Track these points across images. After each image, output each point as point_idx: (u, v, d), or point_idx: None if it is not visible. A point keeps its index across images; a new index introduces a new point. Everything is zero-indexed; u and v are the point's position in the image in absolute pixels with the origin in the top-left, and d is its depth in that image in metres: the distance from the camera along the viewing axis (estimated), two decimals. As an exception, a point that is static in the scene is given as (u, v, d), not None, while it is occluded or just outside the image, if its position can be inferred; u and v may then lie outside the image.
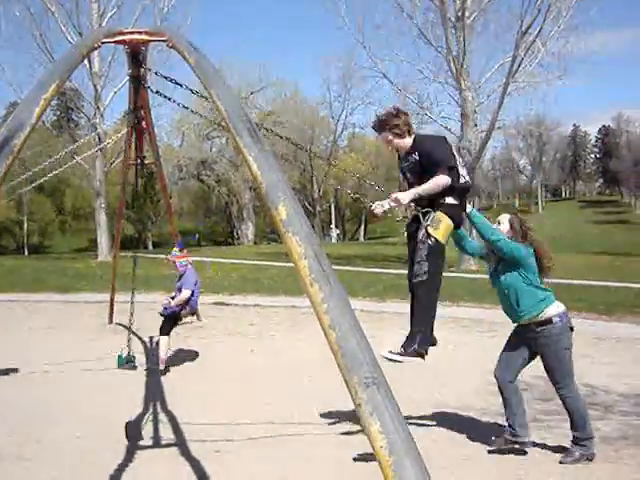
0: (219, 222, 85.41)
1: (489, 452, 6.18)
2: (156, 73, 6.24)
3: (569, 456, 5.92)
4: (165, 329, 9.89)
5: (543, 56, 29.19)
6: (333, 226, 78.55)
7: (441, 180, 5.29)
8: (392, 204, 5.45)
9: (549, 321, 5.95)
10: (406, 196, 5.31)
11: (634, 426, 6.90)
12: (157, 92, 7.15)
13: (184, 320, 10.44)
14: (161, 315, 10.02)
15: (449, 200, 5.43)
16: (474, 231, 6.56)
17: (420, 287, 5.35)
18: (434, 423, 7.12)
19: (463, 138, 29.84)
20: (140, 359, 10.45)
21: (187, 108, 8.50)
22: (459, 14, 29.05)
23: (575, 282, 20.05)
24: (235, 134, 2.93)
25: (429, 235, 5.27)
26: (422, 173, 5.42)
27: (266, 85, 72.13)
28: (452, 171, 5.40)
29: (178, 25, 33.22)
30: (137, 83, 7.01)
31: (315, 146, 74.25)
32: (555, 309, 6.01)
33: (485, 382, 8.77)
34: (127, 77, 7.23)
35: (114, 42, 4.88)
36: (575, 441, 5.96)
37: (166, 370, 9.68)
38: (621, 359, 10.10)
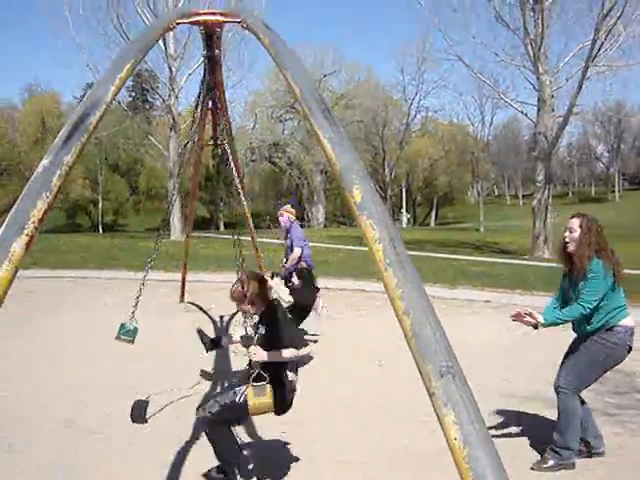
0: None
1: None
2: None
3: (542, 463, 5.68)
4: (299, 296, 9.51)
5: (625, 40, 28.41)
6: (404, 210, 78.21)
7: (288, 353, 5.01)
8: (248, 352, 5.10)
9: (611, 329, 5.60)
10: (258, 356, 5.02)
11: None
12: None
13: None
14: (283, 279, 9.80)
15: (290, 377, 5.17)
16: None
17: (204, 420, 5.32)
18: (504, 413, 7.01)
19: (539, 123, 29.29)
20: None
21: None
22: (538, -4, 28.44)
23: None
24: (309, 115, 2.89)
25: (245, 395, 5.04)
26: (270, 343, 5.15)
27: (340, 68, 72.17)
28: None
29: (252, 7, 33.37)
30: (212, 64, 7.03)
31: (388, 129, 74.03)
32: (625, 321, 5.64)
33: (554, 373, 8.63)
34: (202, 58, 7.27)
35: (189, 23, 4.87)
36: (551, 447, 5.71)
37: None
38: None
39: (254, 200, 72.51)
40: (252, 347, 5.03)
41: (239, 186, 8.71)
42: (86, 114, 2.73)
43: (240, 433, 6.01)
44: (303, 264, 9.98)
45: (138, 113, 58.04)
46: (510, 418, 6.84)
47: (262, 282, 5.37)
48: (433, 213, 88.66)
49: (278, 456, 5.90)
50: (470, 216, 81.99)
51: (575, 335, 5.95)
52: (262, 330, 5.22)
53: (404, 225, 73.36)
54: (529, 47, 29.13)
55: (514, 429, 6.56)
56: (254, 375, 4.99)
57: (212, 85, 7.96)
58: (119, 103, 39.25)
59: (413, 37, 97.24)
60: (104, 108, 2.83)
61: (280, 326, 5.13)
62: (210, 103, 8.93)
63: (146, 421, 6.09)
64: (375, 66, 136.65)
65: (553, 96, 29.81)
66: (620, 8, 26.58)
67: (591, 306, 5.46)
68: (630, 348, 5.67)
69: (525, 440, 6.27)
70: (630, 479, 5.43)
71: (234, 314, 11.85)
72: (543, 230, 28.93)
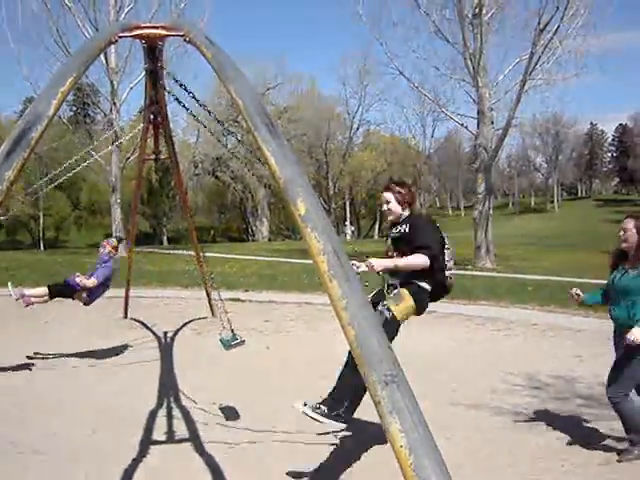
0: (234, 218, 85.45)
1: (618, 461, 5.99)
2: (175, 80, 6.24)
3: (627, 454, 5.88)
4: (55, 290, 9.89)
5: (560, 54, 29.07)
6: (348, 223, 78.45)
7: (419, 259, 5.27)
8: (365, 268, 5.34)
9: None
10: (380, 264, 5.29)
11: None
12: (169, 92, 7.13)
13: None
14: (64, 281, 9.99)
15: (422, 284, 5.44)
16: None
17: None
18: (450, 421, 7.06)
19: (479, 136, 29.74)
20: (155, 354, 10.49)
21: (203, 106, 8.43)
22: (476, 11, 28.91)
23: (593, 281, 19.93)
24: (253, 129, 2.90)
25: (388, 309, 5.27)
26: (405, 246, 5.44)
27: (282, 81, 72.26)
28: (435, 259, 5.38)
29: (195, 21, 33.26)
30: (153, 78, 7.00)
31: (331, 142, 74.33)
32: None
33: (500, 380, 8.76)
34: (143, 72, 7.23)
35: (131, 36, 4.85)
36: (632, 443, 5.91)
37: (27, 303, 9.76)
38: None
39: (198, 214, 72.01)
40: (369, 260, 5.31)
41: (183, 200, 8.65)
42: (27, 128, 2.70)
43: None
44: (85, 294, 10.03)
45: (79, 128, 57.21)
46: (457, 425, 6.90)
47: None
48: (377, 225, 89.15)
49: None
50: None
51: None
52: (405, 229, 5.55)
53: (348, 237, 73.61)
54: (468, 61, 29.59)
55: (461, 435, 6.62)
56: (385, 286, 5.39)
57: (153, 99, 7.94)
58: (60, 117, 38.66)
59: (355, 50, 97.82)
60: (46, 122, 2.81)
61: (421, 230, 5.51)
62: (152, 117, 8.88)
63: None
64: (318, 79, 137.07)
65: (492, 109, 30.30)
66: (556, 23, 27.23)
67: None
68: None
69: (472, 445, 6.33)
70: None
71: (178, 330, 11.78)
72: (485, 240, 29.32)
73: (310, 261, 2.41)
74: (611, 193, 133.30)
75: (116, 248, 10.42)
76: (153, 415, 7.27)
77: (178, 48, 32.85)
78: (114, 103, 34.97)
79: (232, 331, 9.04)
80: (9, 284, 9.93)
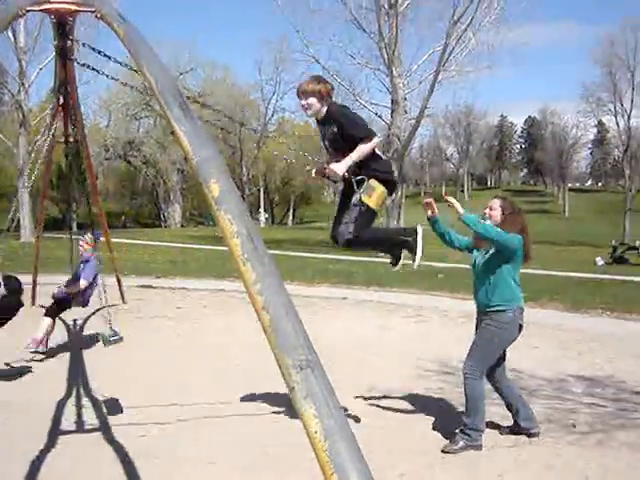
0: (146, 204, 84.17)
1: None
2: (84, 44, 6.00)
3: (453, 444, 5.89)
4: (50, 312, 9.52)
5: (473, 46, 29.59)
6: (262, 210, 78.30)
7: (369, 144, 5.48)
8: (329, 175, 5.65)
9: (502, 310, 5.94)
10: (341, 167, 5.42)
11: (557, 409, 7.04)
12: (84, 64, 6.91)
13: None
14: (52, 297, 9.67)
15: (381, 167, 5.66)
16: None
17: (341, 245, 5.63)
18: (363, 408, 7.10)
19: (393, 125, 30.03)
20: (63, 341, 10.22)
21: (117, 80, 8.17)
22: (392, 1, 29.14)
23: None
24: (165, 107, 2.81)
25: (362, 202, 5.47)
26: (343, 143, 5.54)
27: (196, 66, 71.37)
28: (371, 136, 5.58)
29: None
30: (63, 56, 6.75)
31: (245, 129, 73.90)
32: (515, 303, 5.99)
33: (412, 366, 8.87)
34: (53, 52, 6.97)
35: (40, 10, 4.65)
36: (461, 429, 5.93)
37: (42, 353, 9.19)
38: (545, 344, 10.31)
39: (109, 199, 70.65)
40: (329, 167, 5.49)
41: (92, 185, 8.40)
42: None
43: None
44: (79, 298, 9.72)
45: (-16, 109, 55.35)
46: (370, 411, 6.94)
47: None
48: (290, 212, 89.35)
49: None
50: (327, 215, 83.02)
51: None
52: (334, 129, 5.56)
53: (262, 225, 73.45)
54: (383, 50, 29.83)
55: (374, 421, 6.65)
56: (354, 184, 5.47)
57: (63, 80, 7.68)
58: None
59: (271, 37, 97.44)
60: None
61: (352, 118, 5.63)
62: (62, 99, 8.60)
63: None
64: (233, 66, 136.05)
65: (406, 99, 30.66)
66: (470, 16, 27.71)
67: (501, 237, 5.86)
68: (521, 326, 6.06)
69: (385, 431, 6.37)
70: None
71: (87, 318, 11.51)
72: (397, 229, 29.67)
73: (224, 248, 2.35)
74: (519, 184, 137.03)
75: (94, 241, 10.00)
76: (60, 405, 7.07)
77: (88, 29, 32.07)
78: (22, 84, 33.96)
79: (110, 327, 8.82)
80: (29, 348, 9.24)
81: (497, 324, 5.95)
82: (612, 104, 62.51)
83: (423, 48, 32.29)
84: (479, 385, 5.98)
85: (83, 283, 9.50)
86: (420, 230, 5.85)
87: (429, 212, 6.29)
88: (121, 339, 8.81)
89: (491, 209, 6.16)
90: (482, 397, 6.00)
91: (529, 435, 6.20)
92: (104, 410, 6.93)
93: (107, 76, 6.58)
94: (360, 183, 5.49)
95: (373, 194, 5.49)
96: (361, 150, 5.44)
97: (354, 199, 5.51)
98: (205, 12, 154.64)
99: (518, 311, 6.01)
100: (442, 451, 5.85)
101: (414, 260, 5.77)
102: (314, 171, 5.94)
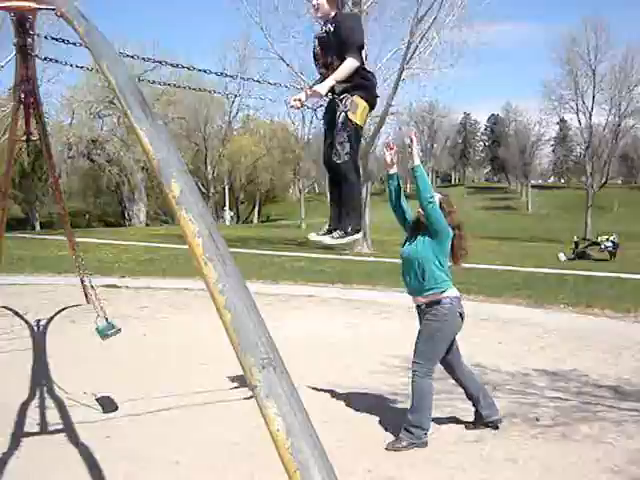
0: (110, 203, 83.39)
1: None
2: (45, 37, 5.96)
3: (397, 442, 5.88)
4: None
5: (437, 44, 29.75)
6: (227, 208, 78.11)
7: (351, 63, 5.49)
8: (311, 97, 5.64)
9: (438, 302, 5.97)
10: (324, 87, 5.42)
11: (521, 403, 7.12)
12: (45, 58, 6.85)
13: None
14: None
15: (364, 82, 5.65)
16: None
17: (345, 167, 5.58)
18: (328, 405, 7.12)
19: (357, 122, 30.05)
20: (26, 343, 10.11)
21: (82, 67, 8.08)
22: (356, -1, 29.20)
23: (464, 265, 20.56)
24: (126, 107, 2.80)
25: (349, 119, 5.46)
26: (332, 46, 5.58)
27: (159, 66, 70.83)
28: (361, 51, 5.65)
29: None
30: (24, 53, 6.68)
31: (210, 126, 73.64)
32: (449, 292, 6.03)
33: (377, 362, 8.90)
34: (13, 48, 6.89)
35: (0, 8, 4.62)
36: (405, 426, 5.91)
37: None
38: (509, 339, 10.42)
39: (72, 198, 69.87)
40: (311, 89, 5.52)
41: (55, 184, 8.32)
42: None
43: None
44: None
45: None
46: (335, 408, 6.96)
47: None
48: (256, 211, 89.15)
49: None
50: (292, 213, 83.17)
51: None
52: (330, 27, 5.58)
53: (227, 223, 73.28)
54: (348, 48, 29.80)
55: (340, 418, 6.67)
56: (337, 102, 5.46)
57: (24, 77, 7.59)
58: None
59: (235, 34, 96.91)
60: None
61: (352, 25, 5.76)
62: (22, 96, 8.49)
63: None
64: (197, 62, 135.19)
65: (370, 96, 30.69)
66: (433, 14, 27.86)
67: (435, 203, 6.02)
68: (462, 315, 6.10)
69: (351, 427, 6.39)
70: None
71: (51, 318, 11.41)
72: (362, 226, 29.73)
73: (187, 246, 2.35)
74: (483, 181, 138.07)
75: None
76: (24, 406, 7.00)
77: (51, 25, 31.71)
78: (-19, 81, 33.52)
79: (106, 319, 8.75)
80: None
81: (436, 318, 5.96)
82: (574, 102, 63.25)
83: (387, 46, 32.29)
84: (425, 383, 5.98)
85: None
86: (355, 237, 5.94)
87: (389, 159, 6.66)
88: (119, 331, 8.72)
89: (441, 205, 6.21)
90: (428, 395, 5.98)
91: (492, 425, 6.26)
92: (68, 411, 6.88)
93: (72, 65, 6.50)
94: (343, 101, 5.49)
95: (357, 110, 5.50)
96: (343, 68, 5.44)
97: (340, 118, 5.49)
98: (170, 7, 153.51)
99: (455, 300, 6.05)
100: (386, 449, 5.84)
101: (321, 235, 5.85)
102: (292, 98, 5.85)
